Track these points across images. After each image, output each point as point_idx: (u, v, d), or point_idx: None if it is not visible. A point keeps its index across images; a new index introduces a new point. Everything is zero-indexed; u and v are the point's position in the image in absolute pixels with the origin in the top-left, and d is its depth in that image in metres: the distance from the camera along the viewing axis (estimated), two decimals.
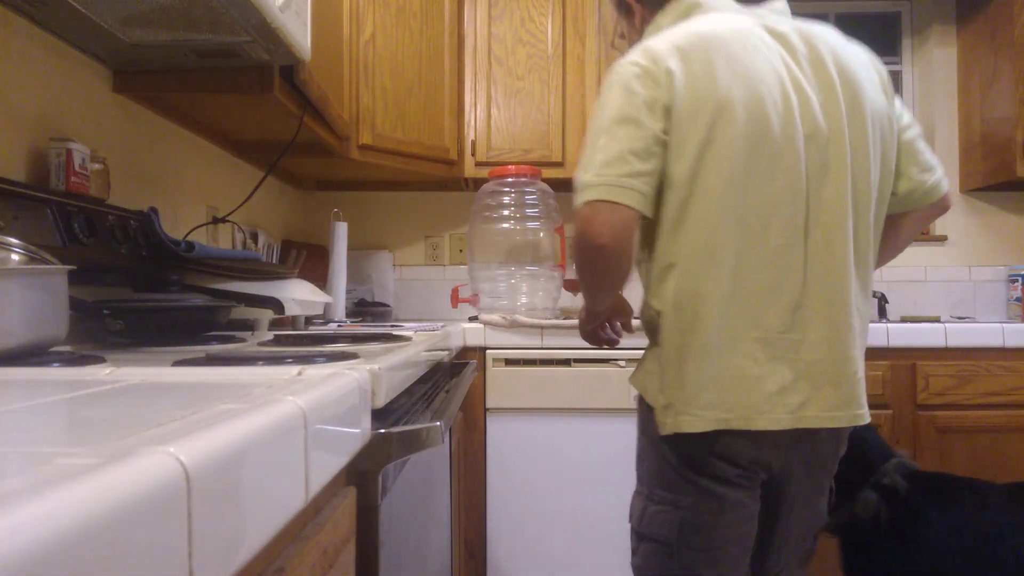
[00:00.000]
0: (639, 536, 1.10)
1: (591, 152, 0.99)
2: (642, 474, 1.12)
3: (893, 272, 2.54)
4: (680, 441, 1.03)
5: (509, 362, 1.88)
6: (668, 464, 1.06)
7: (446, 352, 1.53)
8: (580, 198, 0.98)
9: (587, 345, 1.92)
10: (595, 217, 0.96)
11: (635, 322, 1.30)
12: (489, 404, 1.88)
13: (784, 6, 1.13)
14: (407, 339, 1.22)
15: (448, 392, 1.21)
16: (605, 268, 1.02)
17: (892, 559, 1.31)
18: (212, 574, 0.36)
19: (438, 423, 0.82)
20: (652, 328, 1.09)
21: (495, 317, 1.91)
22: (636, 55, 1.02)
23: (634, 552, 1.12)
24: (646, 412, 1.09)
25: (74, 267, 0.90)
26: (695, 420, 0.99)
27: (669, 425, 1.02)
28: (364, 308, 2.38)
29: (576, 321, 1.90)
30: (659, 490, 1.07)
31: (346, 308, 2.22)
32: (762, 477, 1.06)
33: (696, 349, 1.00)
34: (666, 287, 1.03)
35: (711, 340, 0.99)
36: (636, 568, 1.12)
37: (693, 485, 1.04)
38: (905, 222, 1.19)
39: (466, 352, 1.90)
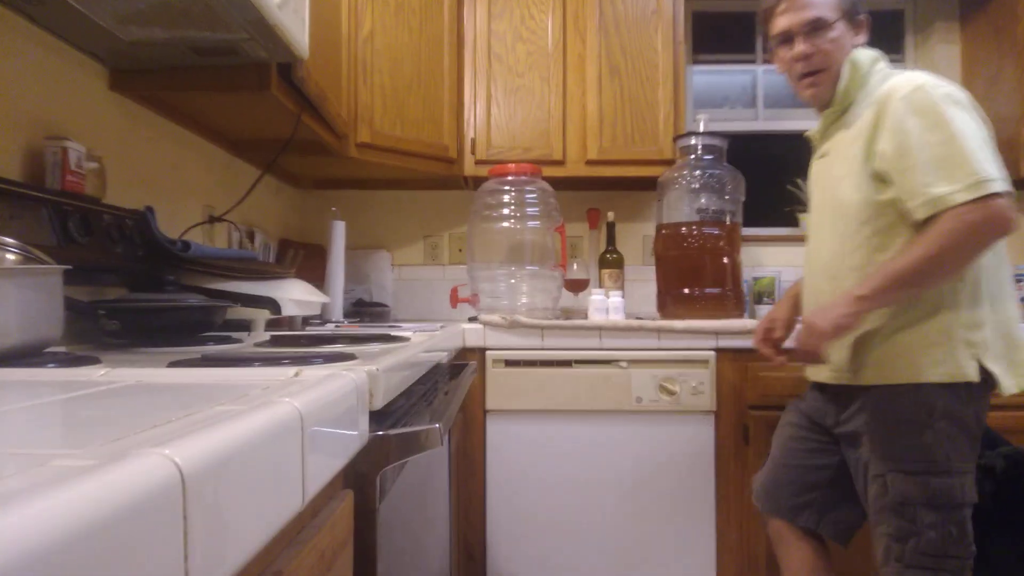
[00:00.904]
0: (957, 505, 1.24)
1: (983, 152, 1.18)
2: (931, 457, 1.25)
3: None
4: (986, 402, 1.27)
5: (509, 363, 1.88)
6: (967, 432, 1.25)
7: (445, 353, 1.53)
8: (992, 188, 1.15)
9: (588, 345, 1.94)
10: (1011, 207, 1.17)
11: None
12: (489, 405, 1.87)
13: None
14: (405, 340, 1.21)
15: (447, 393, 1.20)
16: (984, 252, 1.21)
17: (993, 539, 1.36)
18: None
19: (437, 425, 0.81)
20: (957, 306, 1.25)
21: (495, 317, 1.90)
22: (959, 90, 1.25)
23: (934, 526, 1.23)
24: (939, 393, 1.24)
25: (70, 267, 0.89)
26: None
27: (1012, 385, 1.25)
28: (362, 308, 2.38)
29: (577, 322, 1.90)
30: (960, 462, 1.24)
31: (344, 308, 2.22)
32: None
33: (1012, 324, 1.28)
34: (982, 275, 1.26)
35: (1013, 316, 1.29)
36: (953, 535, 1.24)
37: (973, 446, 1.27)
38: None
39: (465, 353, 1.89)
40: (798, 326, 1.35)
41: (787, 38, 1.35)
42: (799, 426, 1.47)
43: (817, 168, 1.44)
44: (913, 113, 1.21)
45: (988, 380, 1.24)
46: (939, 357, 1.24)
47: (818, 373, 1.42)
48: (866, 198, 1.27)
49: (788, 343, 1.45)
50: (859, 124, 1.29)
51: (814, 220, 1.44)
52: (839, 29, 1.32)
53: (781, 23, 1.35)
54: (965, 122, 1.19)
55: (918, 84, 1.23)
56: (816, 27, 1.31)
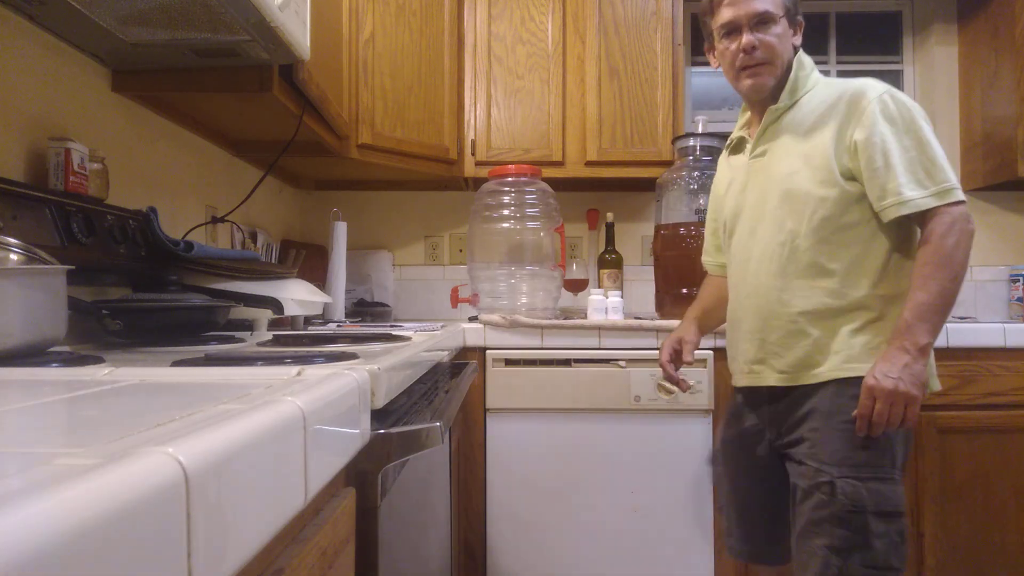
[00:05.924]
0: (901, 513, 1.22)
1: (941, 161, 1.23)
2: (879, 462, 1.23)
3: None
4: None
5: (509, 362, 1.88)
6: (907, 437, 1.28)
7: (446, 352, 1.53)
8: (953, 197, 1.21)
9: (587, 345, 1.95)
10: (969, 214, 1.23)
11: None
12: (489, 404, 1.88)
13: None
14: (407, 339, 1.22)
15: (448, 392, 1.20)
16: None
17: None
18: (211, 575, 0.36)
19: (438, 423, 0.82)
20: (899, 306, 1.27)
21: (495, 317, 1.91)
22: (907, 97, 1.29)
23: (881, 536, 1.20)
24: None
25: (73, 267, 0.90)
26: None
27: (936, 383, 1.31)
28: (363, 308, 2.38)
29: (577, 322, 1.91)
30: (900, 470, 1.25)
31: (345, 308, 2.22)
32: None
33: None
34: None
35: None
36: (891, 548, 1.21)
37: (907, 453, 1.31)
38: None
39: (466, 352, 1.90)
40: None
41: (731, 29, 1.35)
42: (744, 449, 1.43)
43: (751, 167, 1.40)
44: (886, 117, 1.24)
45: None
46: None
47: (764, 378, 1.35)
48: (830, 192, 1.27)
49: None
50: (815, 122, 1.30)
51: (745, 222, 1.39)
52: (782, 25, 1.34)
53: (726, 14, 1.34)
54: (931, 132, 1.25)
55: (886, 88, 1.27)
56: (763, 20, 1.32)
